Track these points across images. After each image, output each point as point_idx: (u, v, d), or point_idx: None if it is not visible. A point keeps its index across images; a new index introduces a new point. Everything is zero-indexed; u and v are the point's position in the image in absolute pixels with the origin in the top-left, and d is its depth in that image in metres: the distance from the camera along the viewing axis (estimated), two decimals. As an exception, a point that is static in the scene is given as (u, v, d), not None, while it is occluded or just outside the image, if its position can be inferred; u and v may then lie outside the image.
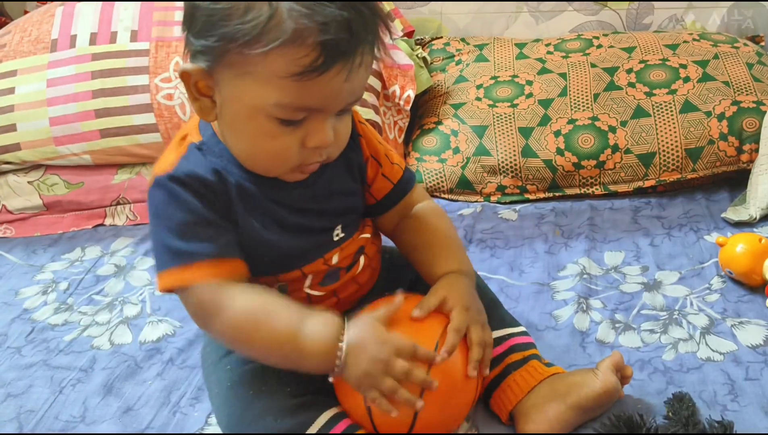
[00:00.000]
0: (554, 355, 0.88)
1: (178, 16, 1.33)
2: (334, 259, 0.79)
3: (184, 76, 0.67)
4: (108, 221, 1.30)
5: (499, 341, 0.82)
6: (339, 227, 0.79)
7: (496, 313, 0.86)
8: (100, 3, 1.36)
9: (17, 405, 0.88)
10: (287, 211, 0.75)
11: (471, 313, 0.75)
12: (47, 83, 1.29)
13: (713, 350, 0.86)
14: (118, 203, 1.31)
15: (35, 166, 1.31)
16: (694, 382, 0.82)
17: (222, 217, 0.71)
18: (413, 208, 0.85)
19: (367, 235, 0.83)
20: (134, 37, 1.32)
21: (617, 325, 0.93)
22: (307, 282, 0.78)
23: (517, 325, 0.87)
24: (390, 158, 0.84)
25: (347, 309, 0.79)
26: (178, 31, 1.31)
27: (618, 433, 0.71)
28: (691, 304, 0.95)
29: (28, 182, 1.31)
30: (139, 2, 1.35)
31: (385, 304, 0.71)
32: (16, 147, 1.28)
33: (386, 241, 0.88)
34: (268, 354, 0.71)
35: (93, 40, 1.32)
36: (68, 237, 1.27)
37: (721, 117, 1.21)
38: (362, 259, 0.82)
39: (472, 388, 0.73)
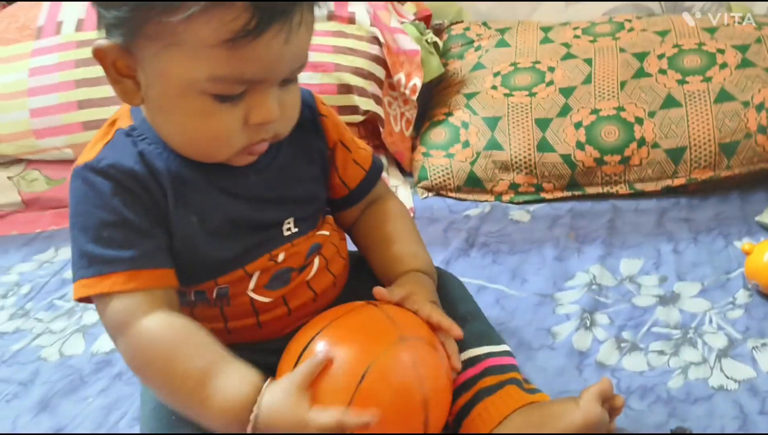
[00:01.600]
0: (545, 379, 0.82)
1: None
2: (281, 257, 0.72)
3: (99, 54, 0.61)
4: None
5: (473, 362, 0.74)
6: (291, 220, 0.73)
7: (474, 328, 0.78)
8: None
9: (-54, 420, 0.86)
10: (235, 201, 0.70)
11: (439, 308, 0.72)
12: (29, 72, 1.29)
13: (728, 377, 0.77)
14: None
15: (16, 161, 1.32)
16: (700, 415, 0.73)
17: (148, 218, 0.66)
18: (376, 199, 0.81)
19: (325, 233, 0.77)
20: (121, 23, 1.30)
21: (623, 345, 0.85)
22: (252, 284, 0.72)
23: (500, 342, 0.78)
24: (357, 143, 0.79)
25: (299, 325, 0.71)
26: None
27: None
28: (711, 320, 0.86)
29: (8, 177, 1.31)
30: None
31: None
32: (-7, 140, 1.29)
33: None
34: (169, 393, 0.64)
35: (79, 26, 1.31)
36: (45, 236, 1.27)
37: (760, 107, 1.11)
38: (317, 261, 0.75)
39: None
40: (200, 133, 0.64)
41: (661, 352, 0.83)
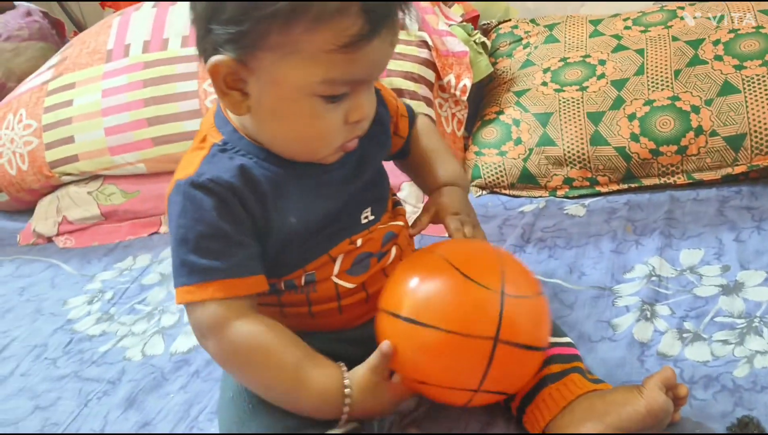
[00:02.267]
0: (607, 371, 0.80)
1: (226, 17, 1.34)
2: (359, 242, 0.76)
3: (214, 70, 0.65)
4: (163, 229, 1.33)
5: None
6: (369, 209, 0.77)
7: None
8: (155, 10, 1.40)
9: (43, 418, 0.91)
10: (326, 198, 0.74)
11: (461, 216, 0.81)
12: (102, 93, 1.34)
13: (799, 374, 0.74)
14: (170, 211, 1.33)
15: (94, 177, 1.37)
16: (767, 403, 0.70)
17: (242, 229, 0.69)
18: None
19: (400, 223, 0.81)
20: (185, 42, 1.34)
21: (685, 335, 0.82)
22: (336, 268, 0.75)
23: (563, 335, 0.78)
24: (395, 95, 0.87)
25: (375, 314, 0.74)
26: (225, 33, 1.32)
27: None
28: (778, 312, 0.82)
29: (88, 193, 1.36)
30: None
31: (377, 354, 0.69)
32: (74, 158, 1.34)
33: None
34: (266, 385, 0.70)
35: (146, 47, 1.35)
36: (124, 246, 1.31)
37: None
38: (394, 250, 0.79)
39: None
40: (309, 133, 0.68)
41: (726, 342, 0.80)
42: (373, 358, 0.69)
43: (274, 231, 0.71)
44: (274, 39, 0.62)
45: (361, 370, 0.69)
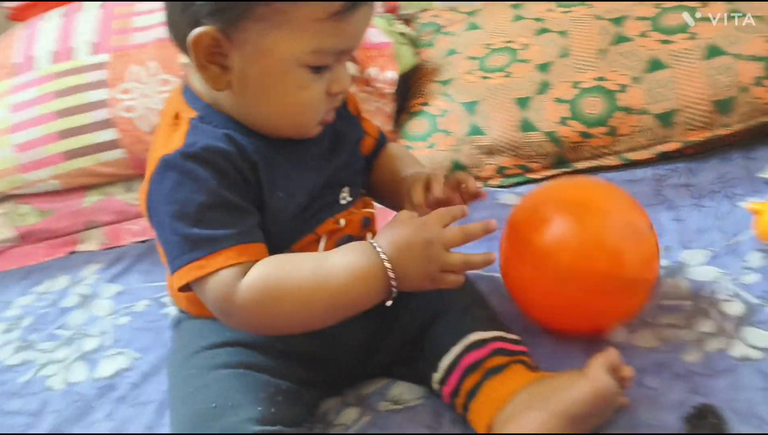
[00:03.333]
0: (554, 364, 0.72)
1: (138, 22, 1.23)
2: (342, 221, 0.73)
3: (196, 42, 0.61)
4: (81, 247, 1.21)
5: (481, 344, 0.68)
6: (347, 189, 0.75)
7: (482, 313, 0.73)
8: (63, 19, 1.27)
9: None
10: (308, 173, 0.71)
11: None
12: (11, 108, 1.21)
13: (750, 346, 0.68)
14: (90, 227, 1.21)
15: (5, 197, 1.23)
16: (723, 388, 0.64)
17: (243, 196, 0.65)
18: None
19: (372, 210, 0.78)
20: (95, 49, 1.22)
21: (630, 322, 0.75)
22: (321, 246, 0.72)
23: (509, 331, 0.72)
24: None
25: None
26: (137, 39, 1.21)
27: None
28: (724, 288, 0.76)
29: (1, 214, 1.23)
30: (101, 9, 1.26)
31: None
32: (-18, 179, 1.21)
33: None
34: (309, 309, 0.63)
35: (54, 58, 1.23)
36: (41, 268, 1.18)
37: (754, 58, 1.00)
38: (369, 236, 0.75)
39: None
40: (296, 105, 0.66)
41: (673, 326, 0.73)
42: (402, 213, 0.66)
43: (264, 205, 0.67)
44: (262, 9, 0.60)
45: (392, 226, 0.65)
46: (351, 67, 0.66)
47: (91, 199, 1.21)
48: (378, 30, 1.20)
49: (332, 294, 0.62)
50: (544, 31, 1.18)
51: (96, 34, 1.23)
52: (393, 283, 0.62)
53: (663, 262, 0.83)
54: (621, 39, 1.10)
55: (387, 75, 1.17)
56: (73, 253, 1.20)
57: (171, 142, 0.65)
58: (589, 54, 1.10)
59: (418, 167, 0.83)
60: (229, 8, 0.60)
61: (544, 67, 1.12)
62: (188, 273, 0.63)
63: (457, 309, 0.72)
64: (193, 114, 0.67)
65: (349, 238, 0.73)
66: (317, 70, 0.63)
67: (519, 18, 1.24)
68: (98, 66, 1.20)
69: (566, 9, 1.21)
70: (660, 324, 0.74)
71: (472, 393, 0.66)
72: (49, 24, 1.28)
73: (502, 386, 0.65)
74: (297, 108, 0.66)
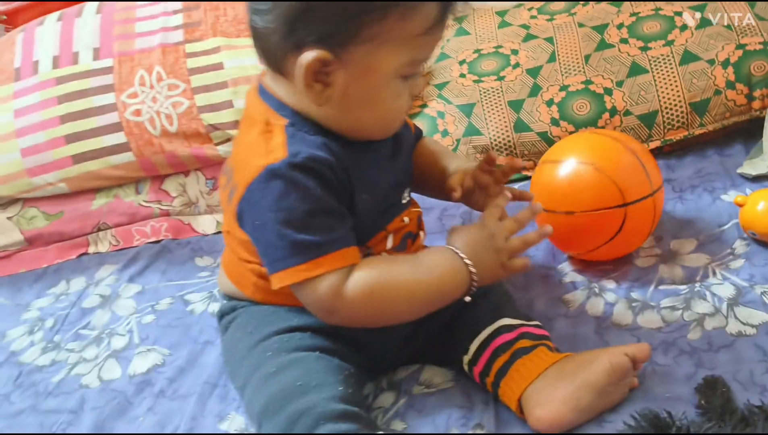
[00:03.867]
0: (569, 345, 0.79)
1: (139, 27, 1.25)
2: (406, 220, 0.80)
3: (308, 66, 0.65)
4: (91, 249, 1.22)
5: (509, 329, 0.76)
6: (407, 190, 0.81)
7: (510, 306, 0.81)
8: (60, 23, 1.28)
9: (6, 457, 0.82)
10: (380, 174, 0.75)
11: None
12: (14, 114, 1.21)
13: (744, 323, 0.76)
14: (99, 229, 1.23)
15: (12, 201, 1.24)
16: (726, 362, 0.72)
17: (340, 201, 0.70)
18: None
19: (419, 210, 0.85)
20: (96, 55, 1.23)
21: (634, 305, 0.84)
22: (389, 243, 0.78)
23: (530, 319, 0.79)
24: None
25: None
26: (140, 44, 1.23)
27: (644, 434, 0.61)
28: (714, 273, 0.85)
29: (7, 218, 1.23)
30: (99, 15, 1.27)
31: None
32: (-11, 184, 1.21)
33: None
34: (410, 304, 0.71)
35: (56, 63, 1.24)
36: (53, 270, 1.19)
37: (725, 64, 1.09)
38: (422, 233, 0.84)
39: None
40: (392, 112, 0.72)
41: (673, 308, 0.82)
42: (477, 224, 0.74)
43: (353, 207, 0.72)
44: (368, 31, 0.64)
45: (459, 230, 0.74)
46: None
47: (99, 202, 1.22)
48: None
49: (429, 290, 0.70)
50: (530, 37, 1.25)
51: (97, 39, 1.24)
52: (474, 277, 0.70)
53: (656, 251, 0.92)
54: (604, 45, 1.18)
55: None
56: (83, 254, 1.21)
57: (271, 150, 0.68)
58: (575, 59, 1.18)
59: (455, 158, 0.89)
60: (338, 33, 0.64)
61: (533, 72, 1.19)
62: (294, 275, 0.67)
63: (485, 299, 0.79)
64: (284, 121, 0.71)
65: (409, 235, 0.80)
66: (406, 78, 0.70)
67: (505, 24, 1.31)
68: (103, 71, 1.21)
69: (549, 17, 1.28)
70: (662, 307, 0.82)
71: (502, 372, 0.73)
72: (47, 28, 1.28)
73: (531, 364, 0.71)
74: (393, 115, 0.73)
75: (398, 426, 0.74)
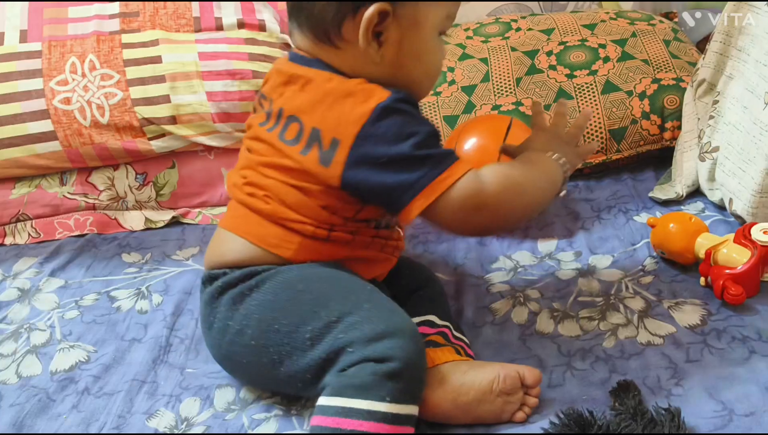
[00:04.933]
0: (494, 352, 0.86)
1: (72, 12, 1.23)
2: None
3: (371, 18, 0.72)
4: (8, 240, 1.19)
5: (431, 325, 0.84)
6: None
7: (442, 308, 0.89)
8: (-17, 2, 1.24)
9: None
10: None
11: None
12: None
13: (652, 334, 0.85)
14: (18, 220, 1.20)
15: None
16: (636, 368, 0.80)
17: None
18: None
19: None
20: (24, 37, 1.21)
21: (555, 314, 0.91)
22: None
23: (456, 327, 0.86)
24: None
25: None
26: (72, 29, 1.21)
27: (569, 433, 0.68)
28: (627, 287, 0.94)
29: None
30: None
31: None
32: None
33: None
34: (538, 196, 0.80)
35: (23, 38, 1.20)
36: (-33, 260, 1.16)
37: (642, 96, 1.21)
38: None
39: None
40: (438, 67, 0.80)
41: (590, 318, 0.90)
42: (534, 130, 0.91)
43: None
44: None
45: (534, 138, 0.89)
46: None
47: (20, 191, 1.20)
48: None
49: (545, 181, 0.82)
50: (466, 56, 1.33)
51: (25, 21, 1.22)
52: (565, 170, 0.85)
53: (576, 265, 1.00)
54: (534, 70, 1.27)
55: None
56: (0, 245, 1.19)
57: (369, 96, 0.73)
58: (508, 81, 1.26)
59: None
60: None
61: (468, 90, 1.27)
62: (437, 187, 0.72)
63: (424, 291, 0.88)
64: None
65: None
66: (441, 34, 0.78)
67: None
68: (30, 54, 1.19)
69: (484, 39, 1.37)
70: (580, 316, 0.90)
71: None
72: (-32, 6, 1.24)
73: (434, 355, 0.77)
74: (437, 70, 0.80)
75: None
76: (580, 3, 1.52)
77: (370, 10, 0.71)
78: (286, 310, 0.75)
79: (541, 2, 1.53)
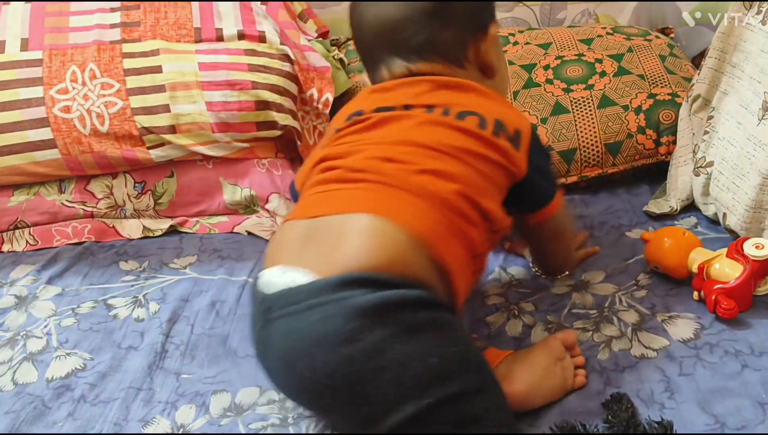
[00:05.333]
0: (495, 342, 0.88)
1: (73, 22, 1.24)
2: None
3: (492, 37, 0.88)
4: (5, 248, 1.20)
5: None
6: None
7: None
8: (-15, 10, 1.25)
9: None
10: None
11: None
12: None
13: (646, 347, 0.86)
14: (16, 227, 1.21)
15: None
16: (630, 380, 0.81)
17: None
18: None
19: None
20: (25, 45, 1.22)
21: (550, 326, 0.92)
22: None
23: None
24: None
25: None
26: (73, 38, 1.22)
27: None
28: (620, 301, 0.95)
29: None
30: (29, 4, 1.25)
31: None
32: None
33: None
34: (570, 251, 1.01)
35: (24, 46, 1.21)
36: (-36, 267, 1.16)
37: (638, 110, 1.22)
38: None
39: None
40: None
41: (584, 329, 0.91)
42: None
43: None
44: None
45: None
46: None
47: (19, 199, 1.20)
48: (318, 54, 1.30)
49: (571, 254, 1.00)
50: (464, 69, 1.34)
51: (26, 30, 1.23)
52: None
53: (570, 281, 1.01)
54: (531, 84, 1.28)
55: (324, 97, 1.28)
56: (-3, 252, 1.19)
57: (520, 114, 0.87)
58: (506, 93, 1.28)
59: None
60: (493, 9, 0.90)
61: (465, 102, 1.28)
62: (559, 198, 0.88)
63: None
64: None
65: None
66: None
67: (440, 54, 1.40)
68: (31, 63, 1.20)
69: (482, 51, 1.38)
70: (574, 328, 0.91)
71: None
72: (-30, 14, 1.25)
73: (491, 357, 0.80)
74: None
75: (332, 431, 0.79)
76: (577, 17, 1.54)
77: (493, 30, 0.87)
78: (433, 358, 0.65)
79: (538, 16, 1.54)
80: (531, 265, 1.04)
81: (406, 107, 0.81)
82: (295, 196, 0.89)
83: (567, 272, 1.01)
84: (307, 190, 0.80)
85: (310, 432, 0.79)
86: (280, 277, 0.69)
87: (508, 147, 0.80)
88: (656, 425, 0.71)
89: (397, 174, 0.73)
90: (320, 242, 0.69)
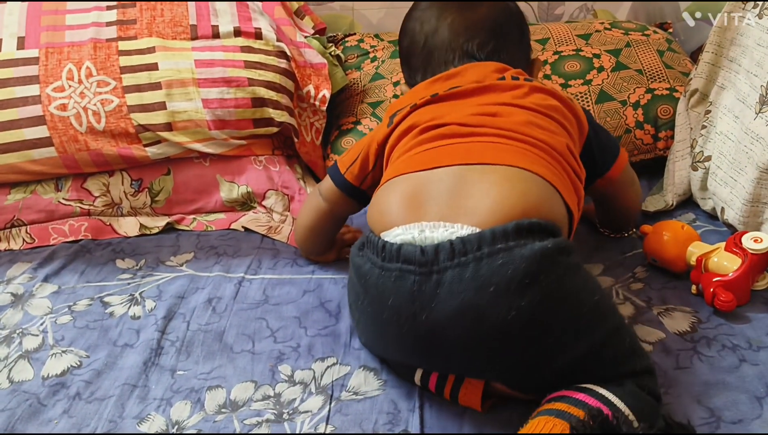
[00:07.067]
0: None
1: (70, 20, 1.25)
2: None
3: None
4: (2, 246, 1.20)
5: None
6: None
7: None
8: (-19, 9, 1.26)
9: None
10: None
11: None
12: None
13: (642, 340, 0.86)
14: (13, 226, 1.21)
15: None
16: (626, 374, 0.81)
17: None
18: None
19: None
20: (21, 44, 1.22)
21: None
22: None
23: None
24: None
25: None
26: (69, 37, 1.23)
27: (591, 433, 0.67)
28: (617, 293, 0.95)
29: None
30: (26, 2, 1.26)
31: None
32: None
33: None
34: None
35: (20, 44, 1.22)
36: (-40, 265, 1.17)
37: (636, 105, 1.22)
38: None
39: None
40: None
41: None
42: None
43: None
44: None
45: None
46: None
47: (15, 197, 1.21)
48: (314, 51, 1.30)
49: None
50: (461, 65, 1.35)
51: (23, 28, 1.23)
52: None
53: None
54: (529, 79, 1.28)
55: (321, 94, 1.28)
56: (-5, 250, 1.20)
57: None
58: (502, 90, 1.28)
59: None
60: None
61: (463, 98, 1.28)
62: (624, 151, 0.95)
63: None
64: None
65: None
66: None
67: (438, 50, 1.40)
68: (28, 61, 1.20)
69: (479, 46, 1.38)
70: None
71: (459, 381, 0.77)
72: (-34, 12, 1.25)
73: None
74: None
75: (326, 430, 0.79)
76: (575, 12, 1.54)
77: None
78: (584, 295, 0.71)
79: (536, 12, 1.54)
80: (599, 226, 1.07)
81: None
82: (339, 181, 0.95)
83: (633, 229, 1.04)
84: (408, 151, 0.81)
85: (305, 427, 0.79)
86: (433, 230, 0.71)
87: (576, 103, 0.88)
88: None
89: (512, 127, 0.78)
90: (463, 195, 0.72)
